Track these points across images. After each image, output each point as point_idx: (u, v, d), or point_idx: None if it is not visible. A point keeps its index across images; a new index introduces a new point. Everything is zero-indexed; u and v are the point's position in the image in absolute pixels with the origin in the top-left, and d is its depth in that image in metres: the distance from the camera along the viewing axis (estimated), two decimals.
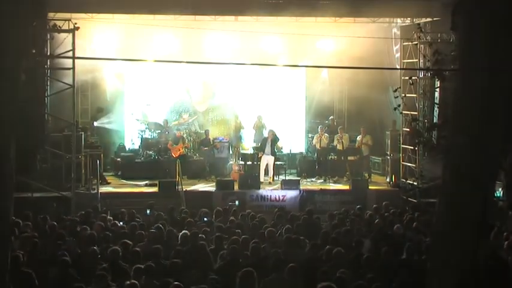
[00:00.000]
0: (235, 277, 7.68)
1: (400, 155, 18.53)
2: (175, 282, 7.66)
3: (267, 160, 18.55)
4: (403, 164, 18.33)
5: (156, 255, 9.13)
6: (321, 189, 17.77)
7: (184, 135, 19.57)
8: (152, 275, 8.23)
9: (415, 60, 17.53)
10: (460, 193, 5.65)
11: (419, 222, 11.81)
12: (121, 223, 12.00)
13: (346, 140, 19.19)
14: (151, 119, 19.91)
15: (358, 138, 19.18)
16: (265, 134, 20.22)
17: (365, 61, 16.92)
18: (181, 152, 18.56)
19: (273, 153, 18.62)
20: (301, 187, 17.31)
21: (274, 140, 18.70)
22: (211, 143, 19.18)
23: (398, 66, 18.27)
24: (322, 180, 18.92)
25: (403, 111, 16.01)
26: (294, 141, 20.48)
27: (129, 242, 9.80)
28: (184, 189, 16.37)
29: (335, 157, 19.27)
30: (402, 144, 18.45)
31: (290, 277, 8.09)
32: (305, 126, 21.29)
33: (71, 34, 15.58)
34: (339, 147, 19.04)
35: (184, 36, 18.91)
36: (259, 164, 18.57)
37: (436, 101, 16.34)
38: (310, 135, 20.58)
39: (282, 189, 17.15)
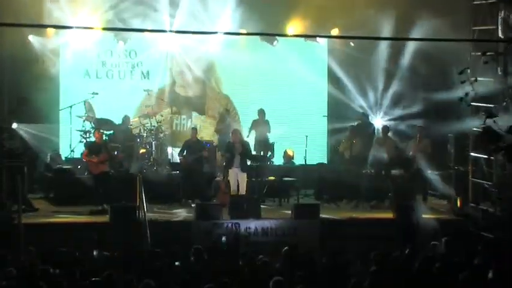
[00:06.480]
0: None
1: (469, 167, 18.52)
2: None
3: (237, 177, 18.37)
4: (473, 181, 18.33)
5: None
6: (350, 218, 17.85)
7: (145, 135, 19.68)
8: None
9: (491, 27, 17.53)
10: None
11: (497, 269, 11.79)
12: (56, 270, 11.99)
13: (358, 145, 19.45)
14: (100, 115, 20.13)
15: (412, 142, 19.26)
16: (267, 136, 20.32)
17: None
18: (102, 168, 18.11)
19: (244, 168, 18.43)
20: (321, 215, 17.39)
21: (246, 148, 18.69)
22: (200, 147, 19.22)
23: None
24: (352, 206, 18.98)
25: (473, 103, 15.98)
26: (311, 147, 20.56)
27: None
28: (148, 218, 16.37)
29: (372, 171, 19.28)
30: (472, 151, 18.44)
31: None
32: (327, 126, 21.37)
33: None
34: (346, 155, 19.42)
35: None
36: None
37: None
38: (334, 139, 20.64)
39: (293, 218, 17.20)
